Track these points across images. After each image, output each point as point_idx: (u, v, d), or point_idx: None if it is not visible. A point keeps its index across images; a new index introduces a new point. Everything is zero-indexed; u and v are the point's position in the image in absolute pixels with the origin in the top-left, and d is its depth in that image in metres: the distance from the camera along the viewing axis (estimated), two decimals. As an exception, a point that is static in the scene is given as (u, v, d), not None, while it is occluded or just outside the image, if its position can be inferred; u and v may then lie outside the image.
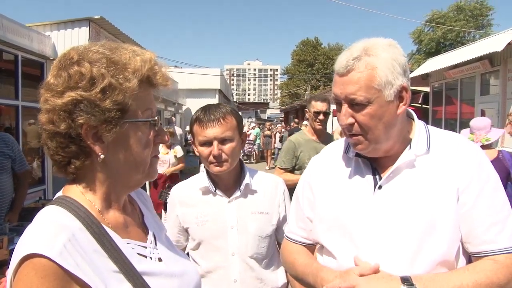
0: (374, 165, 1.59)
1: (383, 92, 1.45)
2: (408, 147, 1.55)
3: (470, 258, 1.52)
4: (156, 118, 1.19)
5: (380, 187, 1.54)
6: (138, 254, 1.17)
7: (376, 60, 1.45)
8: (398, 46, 1.52)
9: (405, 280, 1.37)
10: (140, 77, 1.12)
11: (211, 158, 2.09)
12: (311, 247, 1.78)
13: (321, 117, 4.38)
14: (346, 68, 1.46)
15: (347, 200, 1.58)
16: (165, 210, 6.74)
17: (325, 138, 4.49)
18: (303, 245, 1.79)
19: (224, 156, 2.08)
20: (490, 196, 1.48)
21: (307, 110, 4.55)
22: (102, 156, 1.11)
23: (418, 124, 1.61)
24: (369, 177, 1.57)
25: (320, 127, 4.44)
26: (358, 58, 1.45)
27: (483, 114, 13.31)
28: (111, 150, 1.12)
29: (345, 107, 1.50)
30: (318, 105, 4.40)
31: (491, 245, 1.44)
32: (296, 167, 4.43)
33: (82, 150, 1.10)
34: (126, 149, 1.14)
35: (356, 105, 1.47)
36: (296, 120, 26.84)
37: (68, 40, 9.60)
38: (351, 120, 1.49)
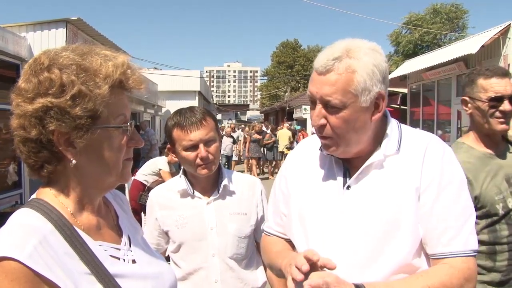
0: (346, 164, 1.57)
1: (359, 98, 1.41)
2: (379, 147, 1.53)
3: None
4: (128, 124, 1.19)
5: (348, 187, 1.53)
6: (111, 256, 1.17)
7: (357, 64, 1.40)
8: (381, 51, 1.48)
9: (358, 287, 1.34)
10: (112, 83, 1.12)
11: (198, 161, 2.08)
12: (290, 242, 1.75)
13: (507, 106, 2.19)
14: (325, 67, 1.42)
15: (316, 199, 1.58)
16: (145, 213, 6.67)
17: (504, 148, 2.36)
18: (281, 238, 1.78)
19: (211, 157, 2.08)
20: (449, 199, 1.45)
21: (468, 98, 2.31)
22: (74, 161, 1.11)
23: (391, 124, 1.58)
24: (340, 177, 1.56)
25: (504, 126, 2.25)
26: (339, 59, 1.41)
27: (459, 115, 13.59)
28: (83, 155, 1.12)
29: (319, 107, 1.46)
30: (498, 84, 2.23)
31: (446, 248, 1.42)
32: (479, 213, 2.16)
33: (54, 155, 1.11)
34: (98, 154, 1.14)
35: (330, 107, 1.44)
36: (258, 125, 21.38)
37: (44, 42, 9.46)
38: (323, 121, 1.47)
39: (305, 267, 1.30)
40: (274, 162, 17.52)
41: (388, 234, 1.44)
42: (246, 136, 18.16)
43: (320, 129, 1.49)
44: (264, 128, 18.90)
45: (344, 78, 1.40)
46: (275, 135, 17.97)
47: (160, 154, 11.13)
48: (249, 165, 17.66)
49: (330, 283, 1.27)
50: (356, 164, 1.55)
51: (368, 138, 1.52)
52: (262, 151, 17.38)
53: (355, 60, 1.41)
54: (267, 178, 16.63)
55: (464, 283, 1.39)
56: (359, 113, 1.44)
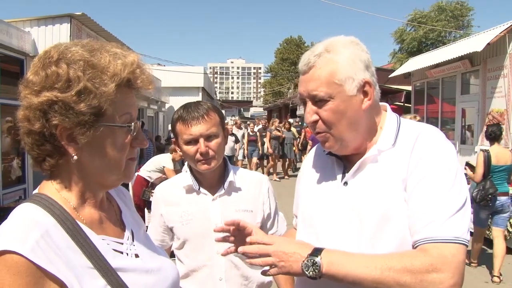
0: (345, 162, 1.60)
1: (345, 87, 1.46)
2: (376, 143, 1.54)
3: None
4: (133, 123, 1.18)
5: (346, 183, 1.55)
6: (114, 250, 1.17)
7: (336, 56, 1.47)
8: (360, 43, 1.54)
9: (316, 251, 1.35)
10: (119, 81, 1.12)
11: (198, 156, 2.07)
12: None
13: None
14: (307, 65, 1.50)
15: (317, 199, 1.62)
16: (148, 209, 6.69)
17: None
18: None
19: (211, 153, 2.07)
20: (430, 185, 1.39)
21: None
22: (75, 157, 1.11)
23: (390, 119, 1.58)
24: (339, 175, 1.59)
25: None
26: (319, 55, 1.48)
27: (463, 113, 13.53)
28: (85, 151, 1.12)
29: (309, 104, 1.51)
30: None
31: (419, 235, 1.35)
32: None
33: (56, 149, 1.11)
34: (100, 152, 1.14)
35: (319, 101, 1.48)
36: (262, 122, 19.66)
37: (48, 37, 9.46)
38: (315, 117, 1.50)
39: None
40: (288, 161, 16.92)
41: (379, 229, 1.43)
42: (256, 133, 16.92)
43: (313, 125, 1.53)
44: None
45: (326, 71, 1.46)
46: (293, 133, 17.38)
47: (164, 151, 11.13)
48: (257, 164, 16.84)
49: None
50: (354, 161, 1.56)
51: (364, 133, 1.53)
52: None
53: (334, 54, 1.48)
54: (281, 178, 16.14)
55: (431, 269, 1.27)
56: (348, 102, 1.47)
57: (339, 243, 1.48)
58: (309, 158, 1.84)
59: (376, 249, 1.43)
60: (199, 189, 2.17)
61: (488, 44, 10.95)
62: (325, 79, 1.46)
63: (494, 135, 6.41)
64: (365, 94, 1.50)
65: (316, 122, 1.51)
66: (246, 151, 17.11)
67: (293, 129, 18.10)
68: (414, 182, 1.42)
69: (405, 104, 18.58)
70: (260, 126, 18.19)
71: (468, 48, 11.89)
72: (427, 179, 1.40)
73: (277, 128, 17.08)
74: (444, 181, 1.39)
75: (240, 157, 17.43)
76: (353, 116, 1.48)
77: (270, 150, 16.40)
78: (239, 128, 18.17)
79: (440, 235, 1.32)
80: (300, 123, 21.17)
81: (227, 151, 14.83)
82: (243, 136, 17.35)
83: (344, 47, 1.49)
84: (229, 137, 14.81)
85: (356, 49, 1.50)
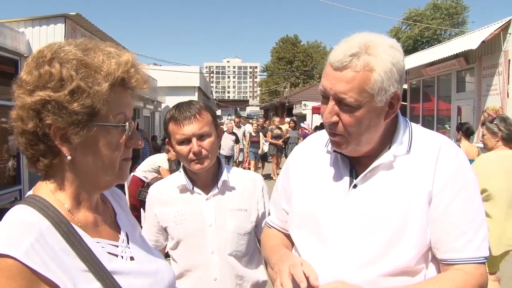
0: (353, 162, 1.54)
1: (375, 98, 1.36)
2: (388, 147, 1.50)
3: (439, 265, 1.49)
4: (127, 123, 1.17)
5: (355, 186, 1.50)
6: (109, 253, 1.17)
7: (375, 61, 1.34)
8: (400, 49, 1.42)
9: None
10: (113, 81, 1.11)
11: (191, 155, 2.07)
12: (289, 236, 1.73)
13: None
14: (341, 63, 1.35)
15: (321, 197, 1.55)
16: (144, 209, 6.68)
17: None
18: (281, 232, 1.78)
19: (204, 152, 2.07)
20: (463, 203, 1.43)
21: None
22: (69, 157, 1.11)
23: (402, 123, 1.54)
24: (346, 175, 1.53)
25: None
26: (357, 55, 1.34)
27: (459, 110, 13.57)
28: (79, 151, 1.12)
29: (331, 103, 1.41)
30: None
31: (458, 254, 1.40)
32: None
33: (50, 149, 1.11)
34: (94, 152, 1.13)
35: (344, 105, 1.39)
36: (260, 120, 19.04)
37: (43, 37, 9.42)
38: (335, 118, 1.42)
39: (304, 285, 1.31)
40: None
41: (395, 237, 1.41)
42: (259, 134, 16.09)
43: (331, 126, 1.45)
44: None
45: (361, 76, 1.34)
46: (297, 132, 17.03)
47: (160, 151, 11.11)
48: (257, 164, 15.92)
49: None
50: (363, 162, 1.51)
51: (379, 138, 1.49)
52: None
53: (374, 58, 1.35)
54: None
55: None
56: (373, 113, 1.40)
57: (345, 245, 1.46)
58: (302, 149, 1.76)
59: (389, 256, 1.41)
60: (192, 188, 2.17)
61: (483, 42, 10.97)
62: (357, 85, 1.35)
63: (471, 131, 7.16)
64: (391, 106, 1.44)
65: (335, 123, 1.43)
66: (246, 152, 16.22)
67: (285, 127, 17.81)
68: (445, 199, 1.42)
69: (401, 102, 18.62)
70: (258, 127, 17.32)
71: (463, 46, 11.92)
72: (461, 198, 1.43)
73: (278, 126, 16.72)
74: (476, 201, 1.46)
75: (240, 159, 16.59)
76: (374, 126, 1.43)
77: (281, 143, 15.89)
78: (238, 126, 16.69)
79: (478, 256, 1.41)
80: (297, 122, 21.08)
81: (226, 151, 14.47)
82: (244, 134, 16.33)
83: (385, 52, 1.36)
84: (229, 136, 14.41)
85: (396, 56, 1.38)
